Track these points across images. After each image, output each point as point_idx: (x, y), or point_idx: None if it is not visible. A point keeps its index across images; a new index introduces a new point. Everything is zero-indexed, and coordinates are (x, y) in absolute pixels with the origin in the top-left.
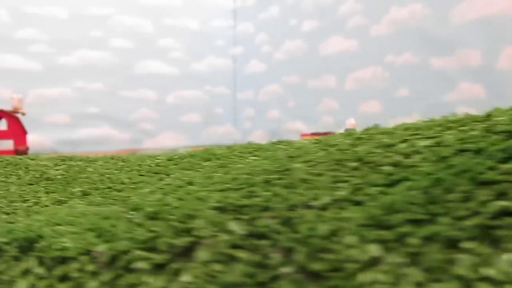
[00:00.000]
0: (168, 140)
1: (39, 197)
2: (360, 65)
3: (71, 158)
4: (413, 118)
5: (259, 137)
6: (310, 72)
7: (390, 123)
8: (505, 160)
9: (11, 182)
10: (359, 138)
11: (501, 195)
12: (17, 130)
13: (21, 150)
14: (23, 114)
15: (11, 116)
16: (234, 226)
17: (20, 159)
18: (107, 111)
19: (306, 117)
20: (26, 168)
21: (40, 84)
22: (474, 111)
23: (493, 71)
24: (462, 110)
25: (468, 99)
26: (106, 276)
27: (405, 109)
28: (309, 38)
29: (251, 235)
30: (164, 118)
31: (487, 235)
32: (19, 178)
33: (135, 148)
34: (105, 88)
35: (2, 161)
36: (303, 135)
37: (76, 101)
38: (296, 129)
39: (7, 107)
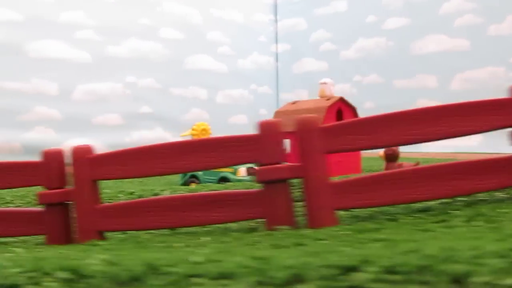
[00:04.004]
0: None
1: None
2: (471, 65)
3: None
4: None
5: None
6: (397, 71)
7: None
8: None
9: None
10: None
11: None
12: None
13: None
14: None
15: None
16: None
17: None
18: (159, 110)
19: None
20: None
21: (89, 77)
22: None
23: None
24: None
25: None
26: None
27: None
28: (396, 36)
29: None
30: (215, 120)
31: None
32: None
33: None
34: (157, 84)
35: None
36: None
37: (127, 98)
38: None
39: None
